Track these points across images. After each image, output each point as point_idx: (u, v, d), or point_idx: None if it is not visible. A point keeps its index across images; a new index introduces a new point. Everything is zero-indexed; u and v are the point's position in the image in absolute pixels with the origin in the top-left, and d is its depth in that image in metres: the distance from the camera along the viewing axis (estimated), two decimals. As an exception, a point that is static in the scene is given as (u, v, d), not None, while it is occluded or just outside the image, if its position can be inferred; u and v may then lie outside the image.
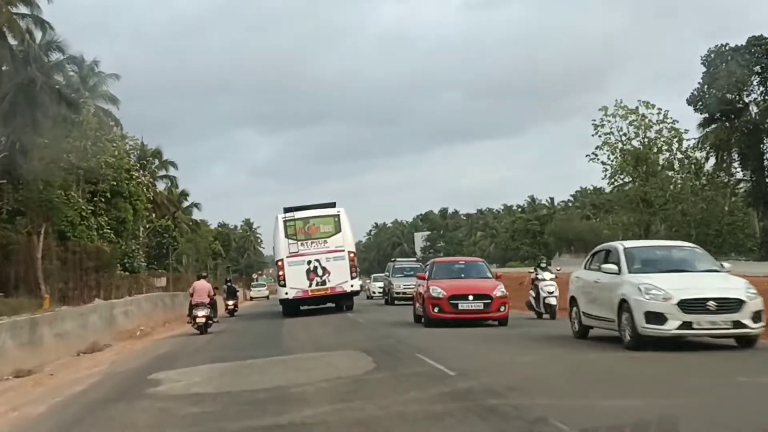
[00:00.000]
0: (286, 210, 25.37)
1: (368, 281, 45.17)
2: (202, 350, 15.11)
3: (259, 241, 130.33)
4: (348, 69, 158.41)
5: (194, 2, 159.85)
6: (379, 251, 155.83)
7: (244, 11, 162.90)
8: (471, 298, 16.09)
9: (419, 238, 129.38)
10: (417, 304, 17.82)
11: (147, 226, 45.99)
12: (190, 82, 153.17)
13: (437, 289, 16.36)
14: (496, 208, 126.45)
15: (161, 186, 51.54)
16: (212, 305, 20.03)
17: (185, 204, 62.87)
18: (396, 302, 28.94)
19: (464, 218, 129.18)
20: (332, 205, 25.75)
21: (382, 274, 37.03)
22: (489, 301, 16.13)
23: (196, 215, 71.98)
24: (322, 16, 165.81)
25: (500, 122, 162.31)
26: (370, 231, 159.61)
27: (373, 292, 38.85)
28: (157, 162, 51.40)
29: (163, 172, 52.51)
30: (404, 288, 28.06)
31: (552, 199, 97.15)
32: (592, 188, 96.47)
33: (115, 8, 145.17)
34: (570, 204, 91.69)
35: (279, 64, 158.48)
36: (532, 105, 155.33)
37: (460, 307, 16.08)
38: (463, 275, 17.56)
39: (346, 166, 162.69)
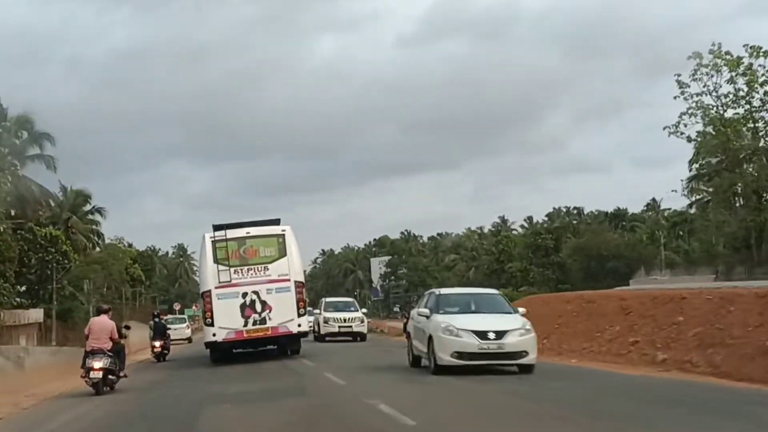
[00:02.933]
0: (216, 228, 20.73)
1: None
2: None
3: (194, 269, 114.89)
4: (282, 103, 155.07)
5: (128, 36, 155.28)
6: (328, 280, 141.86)
7: (177, 45, 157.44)
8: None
9: (376, 265, 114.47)
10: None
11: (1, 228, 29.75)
12: (122, 114, 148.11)
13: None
14: (455, 232, 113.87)
15: (32, 170, 34.54)
16: (117, 352, 14.79)
17: (85, 208, 46.53)
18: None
19: (426, 242, 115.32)
20: (276, 222, 21.41)
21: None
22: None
23: (108, 230, 56.12)
24: (256, 51, 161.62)
25: (435, 156, 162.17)
26: (316, 259, 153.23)
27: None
28: (26, 135, 34.55)
29: (36, 150, 35.31)
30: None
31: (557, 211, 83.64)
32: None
33: (48, 40, 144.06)
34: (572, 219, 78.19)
35: (213, 97, 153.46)
36: (467, 140, 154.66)
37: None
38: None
39: (281, 200, 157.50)
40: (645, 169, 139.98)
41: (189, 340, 41.65)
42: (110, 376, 14.50)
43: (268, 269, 20.20)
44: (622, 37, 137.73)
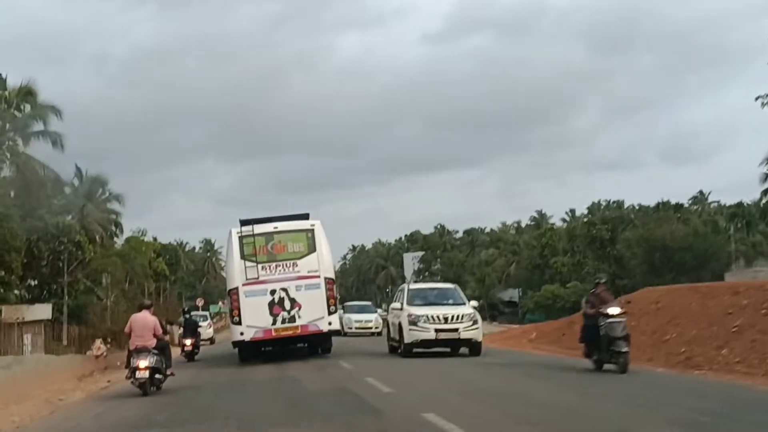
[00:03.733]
0: (243, 223, 19.96)
1: None
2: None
3: (221, 264, 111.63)
4: (307, 101, 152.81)
5: (153, 33, 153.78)
6: (359, 276, 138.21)
7: (201, 42, 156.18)
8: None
9: (409, 260, 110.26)
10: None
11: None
12: (147, 111, 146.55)
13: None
14: (488, 227, 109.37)
15: (38, 149, 30.27)
16: (162, 349, 14.11)
17: (102, 196, 42.87)
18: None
19: (462, 236, 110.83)
20: (305, 216, 20.60)
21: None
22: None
23: (132, 225, 52.92)
24: (281, 48, 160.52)
25: (460, 153, 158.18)
26: (345, 255, 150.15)
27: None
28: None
29: (40, 127, 30.76)
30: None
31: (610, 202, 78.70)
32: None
33: (73, 37, 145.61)
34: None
35: (237, 95, 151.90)
36: (492, 136, 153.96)
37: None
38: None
39: (306, 197, 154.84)
40: (673, 166, 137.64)
41: (211, 340, 36.86)
42: (157, 375, 13.87)
43: (297, 265, 19.58)
44: (649, 32, 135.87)
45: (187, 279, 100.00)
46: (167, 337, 15.17)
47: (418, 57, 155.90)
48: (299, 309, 19.31)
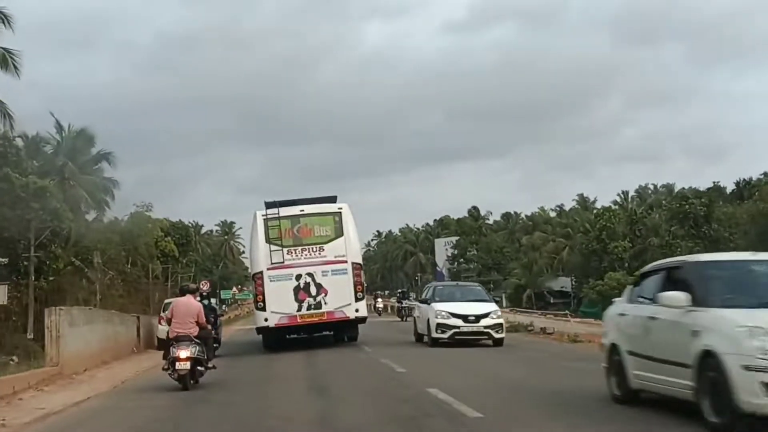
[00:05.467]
0: (269, 205, 19.95)
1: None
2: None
3: (239, 249, 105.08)
4: (330, 89, 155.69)
5: (178, 20, 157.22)
6: (385, 263, 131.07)
7: (226, 31, 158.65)
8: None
9: (442, 246, 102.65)
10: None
11: None
12: (171, 99, 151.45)
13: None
14: (523, 212, 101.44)
15: None
16: (204, 339, 13.14)
17: (86, 157, 35.26)
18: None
19: (496, 221, 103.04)
20: (332, 199, 20.46)
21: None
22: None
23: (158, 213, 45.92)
24: (305, 37, 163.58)
25: (483, 143, 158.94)
26: (370, 241, 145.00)
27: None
28: None
29: None
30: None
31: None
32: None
33: (97, 24, 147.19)
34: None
35: (261, 83, 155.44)
36: (515, 126, 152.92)
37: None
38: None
39: (329, 186, 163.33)
40: (697, 159, 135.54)
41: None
42: (198, 367, 12.74)
43: (323, 250, 19.47)
44: (675, 23, 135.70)
45: (203, 263, 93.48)
46: (211, 327, 14.33)
47: (441, 46, 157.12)
48: (325, 295, 19.08)
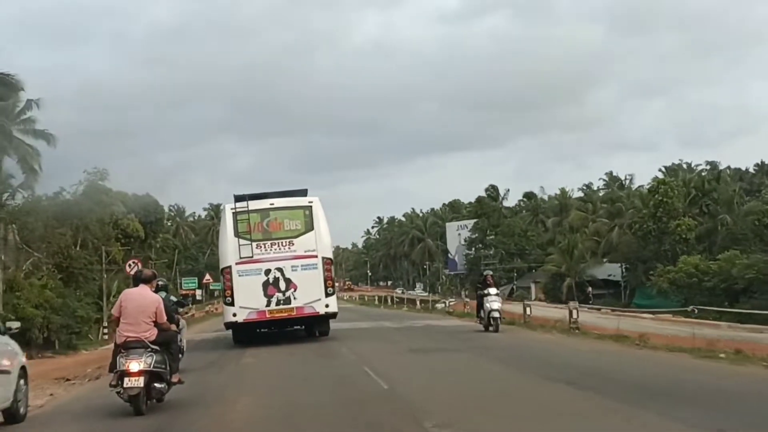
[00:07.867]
0: (238, 198, 19.81)
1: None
2: None
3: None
4: (326, 79, 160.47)
5: (172, 10, 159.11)
6: (389, 251, 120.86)
7: (221, 21, 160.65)
8: None
9: (454, 231, 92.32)
10: None
11: None
12: (166, 89, 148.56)
13: None
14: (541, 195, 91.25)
15: None
16: (165, 345, 10.00)
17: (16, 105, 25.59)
18: None
19: (519, 202, 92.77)
20: (303, 192, 20.31)
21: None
22: None
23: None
24: (300, 26, 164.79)
25: (478, 133, 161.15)
26: (370, 228, 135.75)
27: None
28: None
29: None
30: None
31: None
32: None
33: (92, 16, 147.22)
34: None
35: (257, 73, 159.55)
36: (510, 116, 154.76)
37: None
38: None
39: (325, 175, 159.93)
40: (692, 149, 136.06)
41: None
42: (156, 384, 9.72)
43: (293, 244, 19.43)
44: (669, 13, 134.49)
45: (185, 250, 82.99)
46: (175, 328, 10.73)
47: (436, 36, 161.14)
48: (295, 290, 19.14)
